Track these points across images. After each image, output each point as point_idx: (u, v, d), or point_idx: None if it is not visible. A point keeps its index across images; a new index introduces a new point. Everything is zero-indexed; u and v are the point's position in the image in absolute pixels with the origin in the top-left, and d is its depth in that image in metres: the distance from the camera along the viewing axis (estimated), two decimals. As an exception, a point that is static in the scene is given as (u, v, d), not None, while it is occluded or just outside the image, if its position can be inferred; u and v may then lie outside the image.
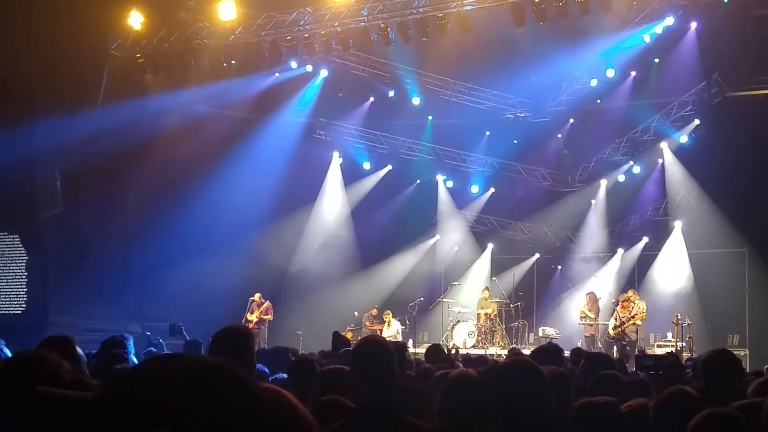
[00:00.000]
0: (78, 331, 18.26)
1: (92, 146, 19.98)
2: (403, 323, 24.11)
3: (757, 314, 22.56)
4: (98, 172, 20.95)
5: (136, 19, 20.81)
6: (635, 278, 25.78)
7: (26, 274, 21.95)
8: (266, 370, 6.76)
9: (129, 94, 21.26)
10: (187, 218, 22.37)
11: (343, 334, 16.06)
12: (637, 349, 20.37)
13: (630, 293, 21.33)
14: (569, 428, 4.47)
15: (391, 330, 23.10)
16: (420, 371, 8.00)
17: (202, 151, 22.90)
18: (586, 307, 22.43)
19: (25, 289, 21.91)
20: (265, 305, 22.62)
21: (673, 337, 20.82)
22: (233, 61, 21.99)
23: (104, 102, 21.29)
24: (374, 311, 24.47)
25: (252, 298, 22.62)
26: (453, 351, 13.08)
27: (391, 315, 23.76)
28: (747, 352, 21.38)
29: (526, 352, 17.38)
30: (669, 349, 19.44)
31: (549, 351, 7.16)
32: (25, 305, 21.79)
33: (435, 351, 9.86)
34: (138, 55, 21.81)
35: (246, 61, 22.06)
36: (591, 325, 22.20)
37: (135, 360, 7.22)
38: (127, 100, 21.12)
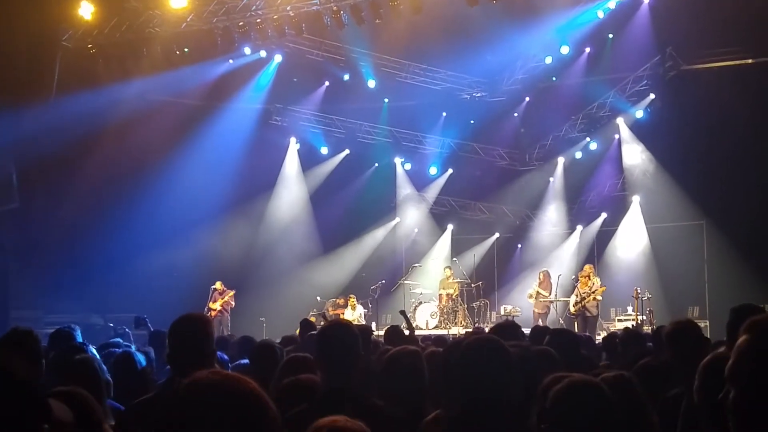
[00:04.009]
0: (39, 325, 18.03)
1: (47, 138, 19.71)
2: (365, 306, 24.12)
3: (716, 286, 22.65)
4: (54, 164, 20.68)
5: (86, 9, 20.48)
6: (595, 254, 25.96)
7: (-16, 270, 21.66)
8: (226, 357, 6.74)
9: (82, 86, 20.96)
10: (145, 208, 22.19)
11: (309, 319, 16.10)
12: (598, 325, 20.61)
13: (587, 268, 21.35)
14: (538, 404, 4.46)
15: (355, 314, 23.09)
16: (379, 354, 7.96)
17: (158, 141, 22.69)
18: (537, 285, 22.54)
19: (-16, 285, 21.62)
20: (229, 294, 22.53)
21: (633, 310, 21.04)
22: (186, 49, 21.75)
23: (57, 94, 21.00)
24: (341, 301, 24.35)
25: (213, 287, 22.53)
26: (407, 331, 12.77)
27: (355, 299, 23.74)
28: (707, 324, 21.59)
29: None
30: (630, 323, 19.66)
31: (507, 328, 7.16)
32: (-16, 301, 21.52)
33: (394, 333, 9.79)
34: (90, 46, 21.51)
35: (199, 48, 21.81)
36: (543, 302, 22.32)
37: (93, 350, 7.14)
38: (80, 91, 20.81)
